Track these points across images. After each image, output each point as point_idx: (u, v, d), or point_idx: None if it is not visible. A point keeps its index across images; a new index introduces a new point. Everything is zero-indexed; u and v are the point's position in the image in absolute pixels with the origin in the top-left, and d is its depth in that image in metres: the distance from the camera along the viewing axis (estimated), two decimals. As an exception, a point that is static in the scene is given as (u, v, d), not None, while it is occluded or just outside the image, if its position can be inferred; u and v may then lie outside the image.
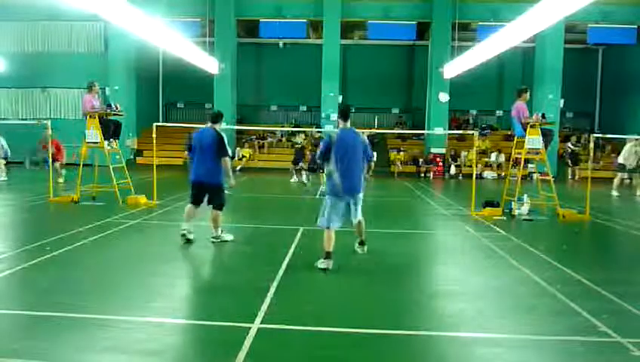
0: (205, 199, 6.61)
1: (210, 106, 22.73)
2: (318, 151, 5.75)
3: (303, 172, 15.15)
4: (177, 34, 14.25)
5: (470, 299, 4.72)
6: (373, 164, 6.15)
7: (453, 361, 3.49)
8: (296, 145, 15.88)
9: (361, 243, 6.27)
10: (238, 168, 19.37)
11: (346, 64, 24.06)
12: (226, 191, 6.69)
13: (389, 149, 21.97)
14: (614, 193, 13.62)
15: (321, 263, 5.49)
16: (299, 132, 20.98)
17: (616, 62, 23.11)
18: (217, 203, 6.57)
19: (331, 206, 5.56)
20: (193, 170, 6.55)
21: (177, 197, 10.97)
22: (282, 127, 23.91)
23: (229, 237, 6.72)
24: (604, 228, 9.08)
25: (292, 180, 15.65)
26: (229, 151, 6.62)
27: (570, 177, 18.65)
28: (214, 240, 6.58)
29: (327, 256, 5.51)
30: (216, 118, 6.77)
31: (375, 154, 7.03)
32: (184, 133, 22.90)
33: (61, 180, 13.64)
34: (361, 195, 5.77)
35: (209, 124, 6.67)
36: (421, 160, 20.51)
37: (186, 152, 7.02)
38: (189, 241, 6.48)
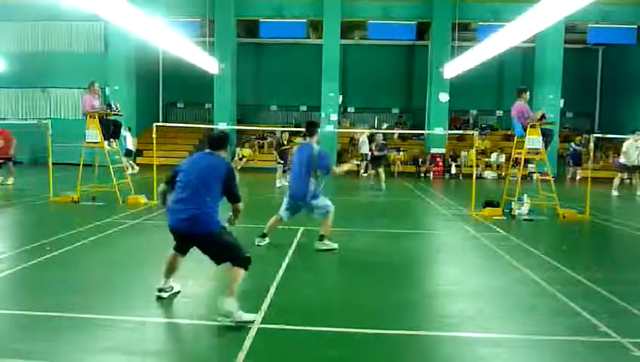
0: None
1: (210, 106, 22.74)
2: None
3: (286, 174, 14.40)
4: (177, 34, 14.24)
5: (470, 299, 4.72)
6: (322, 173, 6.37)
7: (453, 361, 3.50)
8: (284, 147, 15.32)
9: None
10: (238, 168, 19.35)
11: (346, 64, 24.06)
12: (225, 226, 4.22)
13: (389, 149, 21.95)
14: (614, 193, 13.62)
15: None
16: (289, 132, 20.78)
17: (616, 62, 23.10)
18: (232, 258, 4.02)
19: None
20: (172, 211, 4.11)
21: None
22: (282, 127, 23.89)
23: (250, 317, 3.95)
24: (604, 228, 9.08)
25: (280, 185, 14.37)
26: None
27: (569, 177, 18.62)
28: (229, 320, 3.86)
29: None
30: (222, 142, 4.37)
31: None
32: (184, 133, 23.06)
33: (10, 182, 13.05)
34: (312, 202, 6.33)
35: (207, 150, 4.32)
36: (420, 159, 20.51)
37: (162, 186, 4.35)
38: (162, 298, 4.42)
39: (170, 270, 4.36)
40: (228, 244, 4.05)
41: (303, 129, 7.48)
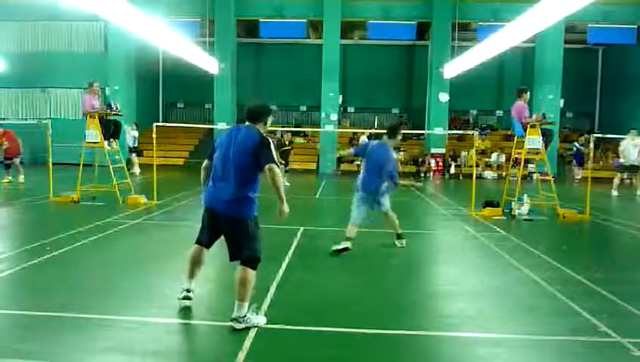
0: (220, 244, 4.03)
1: (210, 106, 22.73)
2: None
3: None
4: (177, 34, 14.24)
5: (470, 299, 4.72)
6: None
7: (453, 361, 3.50)
8: (285, 148, 15.29)
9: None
10: None
11: (346, 64, 24.06)
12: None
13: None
14: (614, 193, 13.62)
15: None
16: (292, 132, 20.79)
17: (616, 62, 23.10)
18: (247, 254, 3.82)
19: None
20: (209, 190, 3.92)
21: (177, 197, 10.99)
22: (282, 127, 23.89)
23: (261, 320, 3.86)
24: (604, 228, 9.08)
25: (286, 184, 14.46)
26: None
27: (576, 177, 18.56)
28: (237, 324, 3.74)
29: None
30: (261, 113, 3.99)
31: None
32: (184, 133, 23.06)
33: (21, 180, 13.36)
34: (380, 198, 6.49)
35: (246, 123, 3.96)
36: (420, 159, 20.52)
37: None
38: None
39: (196, 268, 4.12)
40: (254, 236, 3.84)
41: (302, 129, 7.40)
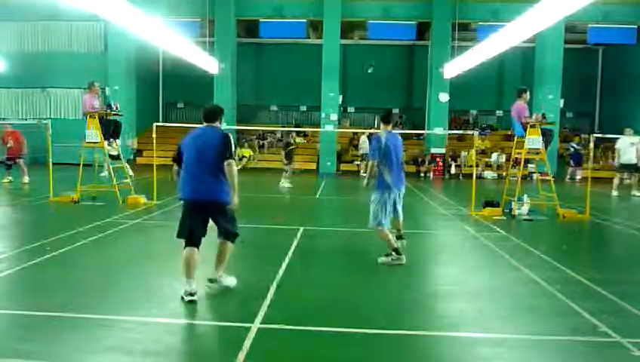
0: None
1: (210, 106, 22.67)
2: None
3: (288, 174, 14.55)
4: (177, 34, 14.24)
5: (470, 299, 4.72)
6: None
7: (453, 361, 3.50)
8: (292, 147, 15.20)
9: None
10: (239, 168, 19.36)
11: (346, 64, 24.06)
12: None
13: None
14: (614, 193, 13.61)
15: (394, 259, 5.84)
16: (296, 132, 20.86)
17: (616, 62, 23.09)
18: (233, 230, 4.67)
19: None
20: (186, 185, 4.54)
21: (177, 197, 10.97)
22: (282, 127, 23.91)
23: (231, 281, 4.77)
24: (604, 228, 9.08)
25: (287, 185, 14.26)
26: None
27: (568, 177, 18.58)
28: (213, 284, 4.70)
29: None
30: (214, 113, 4.71)
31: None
32: (184, 133, 23.00)
33: (26, 180, 13.26)
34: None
35: (204, 125, 4.69)
36: (420, 159, 20.51)
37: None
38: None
39: (192, 268, 4.40)
40: (234, 217, 4.62)
41: (302, 129, 7.39)
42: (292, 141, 15.14)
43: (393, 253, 5.82)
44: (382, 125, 6.16)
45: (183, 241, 4.51)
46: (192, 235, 4.46)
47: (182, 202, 4.59)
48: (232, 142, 4.48)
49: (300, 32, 20.59)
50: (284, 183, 14.23)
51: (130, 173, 11.22)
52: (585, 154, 17.78)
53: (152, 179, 10.37)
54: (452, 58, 18.58)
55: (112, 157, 10.32)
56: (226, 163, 4.36)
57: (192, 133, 4.61)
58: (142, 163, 19.82)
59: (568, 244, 7.52)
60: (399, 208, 6.16)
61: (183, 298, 4.30)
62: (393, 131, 6.27)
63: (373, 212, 5.88)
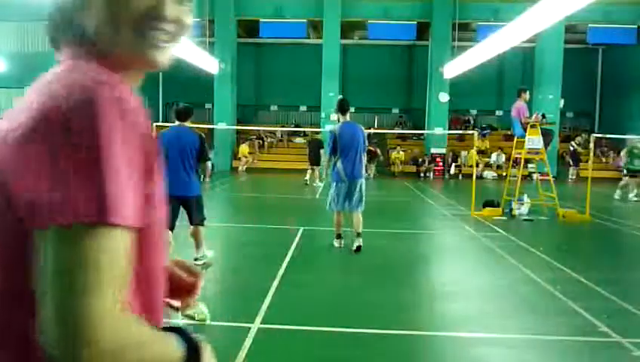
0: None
1: (210, 106, 22.72)
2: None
3: (317, 171, 14.76)
4: (177, 34, 14.22)
5: (470, 299, 4.72)
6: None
7: (454, 361, 3.50)
8: (315, 139, 15.40)
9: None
10: (242, 168, 19.41)
11: (346, 64, 24.06)
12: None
13: (389, 149, 21.95)
14: (617, 193, 13.51)
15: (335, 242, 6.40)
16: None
17: (616, 62, 23.09)
18: (200, 218, 5.39)
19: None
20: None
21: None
22: (282, 127, 23.91)
23: (209, 253, 5.52)
24: (604, 228, 9.08)
25: (315, 184, 14.58)
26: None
27: (570, 177, 18.57)
28: (198, 261, 5.32)
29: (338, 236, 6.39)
30: (186, 114, 5.44)
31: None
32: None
33: None
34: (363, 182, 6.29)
35: (177, 123, 5.37)
36: (420, 159, 20.52)
37: None
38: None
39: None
40: (202, 207, 5.39)
41: (302, 129, 7.46)
42: (318, 139, 15.36)
43: (336, 238, 6.36)
44: (339, 115, 6.31)
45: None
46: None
47: None
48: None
49: (300, 32, 20.59)
50: (317, 182, 14.55)
51: None
52: (584, 154, 17.76)
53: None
54: (452, 58, 18.58)
55: None
56: (207, 162, 5.54)
57: (170, 131, 5.31)
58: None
59: (568, 244, 7.52)
60: (354, 199, 6.18)
61: None
62: (351, 121, 6.36)
63: (329, 197, 6.40)
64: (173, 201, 4.77)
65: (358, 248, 6.14)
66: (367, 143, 6.40)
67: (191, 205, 5.17)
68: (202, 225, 5.40)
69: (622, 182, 13.71)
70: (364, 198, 6.29)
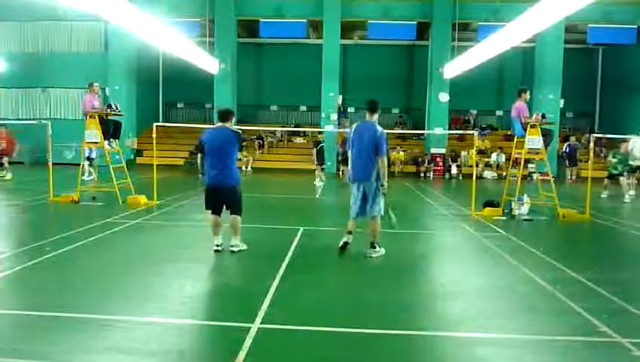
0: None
1: (210, 106, 22.74)
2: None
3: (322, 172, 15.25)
4: (177, 34, 14.24)
5: (470, 299, 4.72)
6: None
7: (453, 361, 3.50)
8: (322, 145, 15.63)
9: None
10: (245, 169, 19.43)
11: (346, 64, 24.05)
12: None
13: (389, 149, 21.93)
14: (629, 195, 13.45)
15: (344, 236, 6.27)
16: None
17: (616, 62, 23.10)
18: (240, 207, 6.11)
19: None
20: (208, 173, 6.01)
21: (177, 197, 10.98)
22: (282, 127, 23.92)
23: (243, 246, 6.16)
24: (604, 228, 9.08)
25: (318, 184, 14.95)
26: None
27: (569, 178, 18.55)
28: (235, 248, 6.05)
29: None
30: (227, 115, 6.16)
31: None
32: (184, 133, 23.05)
33: (8, 177, 13.91)
34: (377, 184, 6.02)
35: (219, 124, 6.18)
36: (420, 159, 20.52)
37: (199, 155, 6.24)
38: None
39: (217, 227, 6.07)
40: (241, 197, 6.13)
41: (302, 129, 7.50)
42: (322, 140, 15.55)
43: (346, 233, 6.23)
44: (367, 114, 6.15)
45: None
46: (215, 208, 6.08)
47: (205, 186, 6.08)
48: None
49: (300, 32, 20.60)
50: (318, 182, 14.75)
51: (94, 176, 11.39)
52: (583, 153, 17.73)
53: (152, 178, 10.37)
54: (452, 58, 18.58)
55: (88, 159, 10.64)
56: (243, 152, 6.72)
57: (211, 132, 6.14)
58: (142, 163, 19.82)
59: (568, 244, 7.52)
60: (368, 205, 6.00)
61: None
62: (372, 121, 6.09)
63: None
64: (214, 190, 5.97)
65: (369, 257, 6.02)
66: (384, 146, 5.90)
67: (231, 194, 5.98)
68: (240, 214, 6.08)
69: (605, 183, 13.74)
70: (376, 204, 6.00)
